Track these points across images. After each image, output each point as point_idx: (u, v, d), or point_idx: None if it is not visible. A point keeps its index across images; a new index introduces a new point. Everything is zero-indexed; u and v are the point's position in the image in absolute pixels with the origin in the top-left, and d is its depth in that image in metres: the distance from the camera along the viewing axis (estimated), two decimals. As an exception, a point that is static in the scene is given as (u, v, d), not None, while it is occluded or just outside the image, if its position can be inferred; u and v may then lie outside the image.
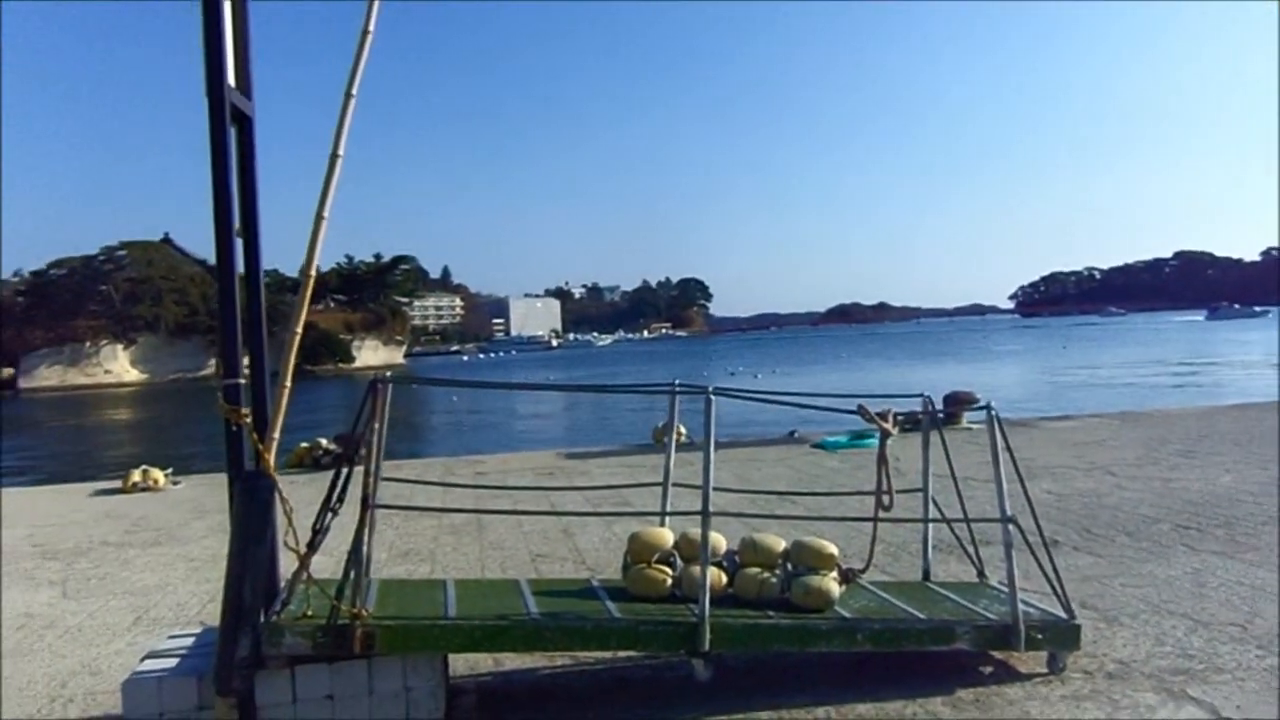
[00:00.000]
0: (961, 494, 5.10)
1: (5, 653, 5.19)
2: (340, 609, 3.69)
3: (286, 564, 3.98)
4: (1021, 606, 4.30)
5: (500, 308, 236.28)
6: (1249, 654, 4.41)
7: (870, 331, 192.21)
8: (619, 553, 6.38)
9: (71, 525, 9.43)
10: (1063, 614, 4.39)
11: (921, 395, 5.18)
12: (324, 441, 13.43)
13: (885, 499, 4.87)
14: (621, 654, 4.60)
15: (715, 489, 4.15)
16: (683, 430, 11.15)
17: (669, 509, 5.05)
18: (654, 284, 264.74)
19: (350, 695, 3.72)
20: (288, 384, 3.87)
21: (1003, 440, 4.44)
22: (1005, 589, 4.43)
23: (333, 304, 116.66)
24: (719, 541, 4.45)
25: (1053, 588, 4.46)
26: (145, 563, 7.44)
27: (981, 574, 5.12)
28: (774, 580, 4.43)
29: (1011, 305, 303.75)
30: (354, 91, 3.97)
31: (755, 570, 4.46)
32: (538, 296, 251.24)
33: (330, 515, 3.85)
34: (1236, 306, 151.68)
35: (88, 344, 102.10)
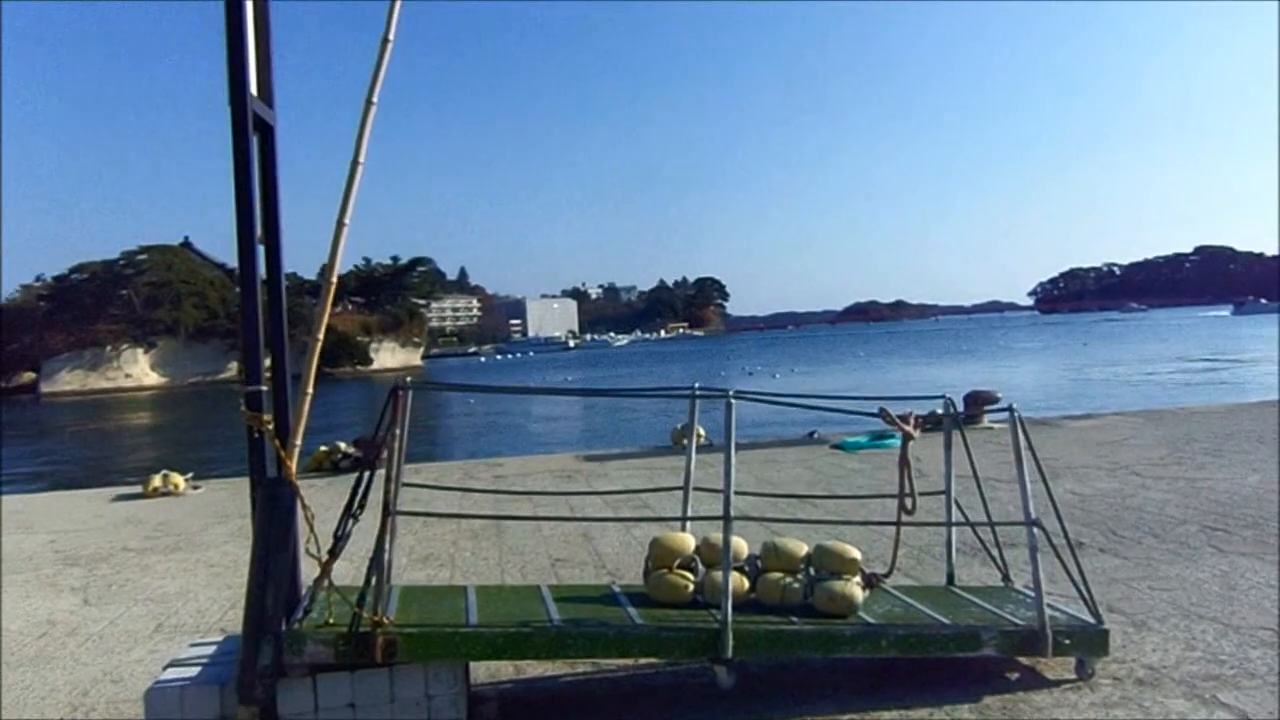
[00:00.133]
0: (984, 496, 5.05)
1: (28, 660, 5.22)
2: (362, 617, 3.68)
3: (308, 571, 3.98)
4: (1048, 611, 4.25)
5: (517, 308, 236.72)
6: (1281, 659, 4.35)
7: (888, 330, 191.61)
8: (639, 557, 6.37)
9: (93, 530, 9.48)
10: (1090, 618, 4.34)
11: (943, 396, 5.13)
12: (343, 445, 13.47)
13: (908, 502, 4.83)
14: (644, 661, 4.58)
15: (736, 492, 4.12)
16: (702, 432, 11.13)
17: (690, 513, 5.02)
18: (671, 284, 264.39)
19: (372, 703, 3.71)
20: (309, 391, 3.87)
21: (1026, 442, 4.39)
22: (1031, 593, 4.39)
23: (350, 306, 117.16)
24: (741, 546, 4.42)
25: (1079, 592, 4.40)
26: (166, 569, 7.46)
27: (1006, 578, 5.07)
28: (797, 585, 4.39)
29: (1030, 302, 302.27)
30: (375, 99, 3.97)
31: (777, 575, 4.43)
32: (554, 297, 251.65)
33: (352, 522, 3.85)
34: (1264, 301, 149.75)
35: (108, 348, 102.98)
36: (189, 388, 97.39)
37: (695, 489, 5.11)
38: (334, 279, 3.97)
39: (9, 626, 5.95)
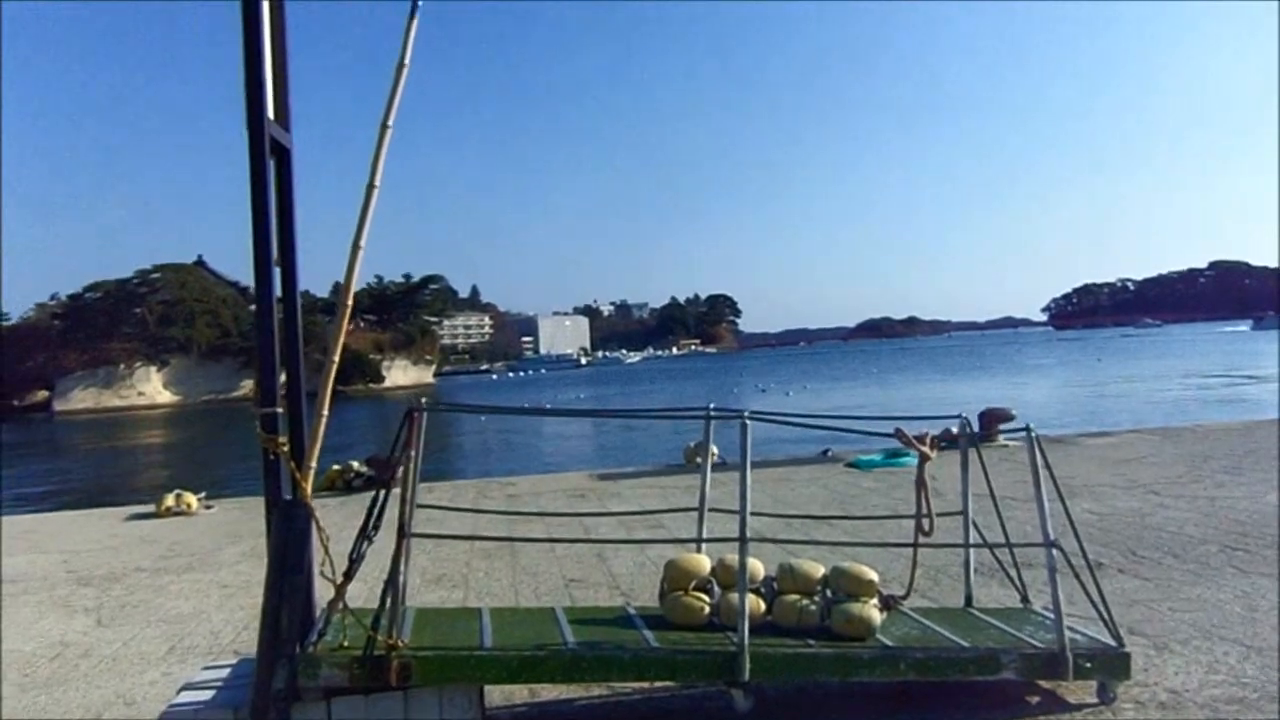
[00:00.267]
0: (1002, 516, 5.01)
1: (41, 682, 5.21)
2: (377, 640, 3.66)
3: (322, 592, 3.96)
4: (1068, 634, 4.20)
5: (529, 326, 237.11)
6: (1306, 682, 4.29)
7: (901, 346, 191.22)
8: (653, 577, 6.33)
9: (106, 550, 9.49)
10: (1111, 641, 4.28)
11: (959, 416, 5.09)
12: (355, 464, 13.47)
13: (925, 523, 4.79)
14: (659, 684, 4.54)
15: (751, 513, 4.09)
16: (714, 450, 11.09)
17: (705, 534, 4.99)
18: (683, 301, 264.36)
19: (386, 727, 3.69)
20: (325, 413, 3.86)
21: (1043, 463, 4.35)
22: (1050, 615, 4.34)
23: (363, 324, 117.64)
24: (756, 568, 4.39)
25: (1100, 614, 4.35)
26: (179, 589, 7.46)
27: (1025, 599, 5.02)
28: (813, 608, 4.35)
29: (1044, 318, 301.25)
30: (390, 123, 3.98)
31: (794, 597, 4.39)
32: (566, 314, 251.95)
33: (367, 544, 3.84)
34: None
35: (121, 366, 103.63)
36: (201, 406, 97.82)
37: (710, 510, 5.08)
38: (349, 301, 3.97)
39: (22, 648, 5.95)
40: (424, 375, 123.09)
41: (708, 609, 4.33)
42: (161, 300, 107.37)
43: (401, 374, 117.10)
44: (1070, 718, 4.06)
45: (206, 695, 3.75)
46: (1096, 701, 4.18)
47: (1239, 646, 4.83)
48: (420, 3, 4.22)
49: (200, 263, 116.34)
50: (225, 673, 4.03)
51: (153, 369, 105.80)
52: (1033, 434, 4.45)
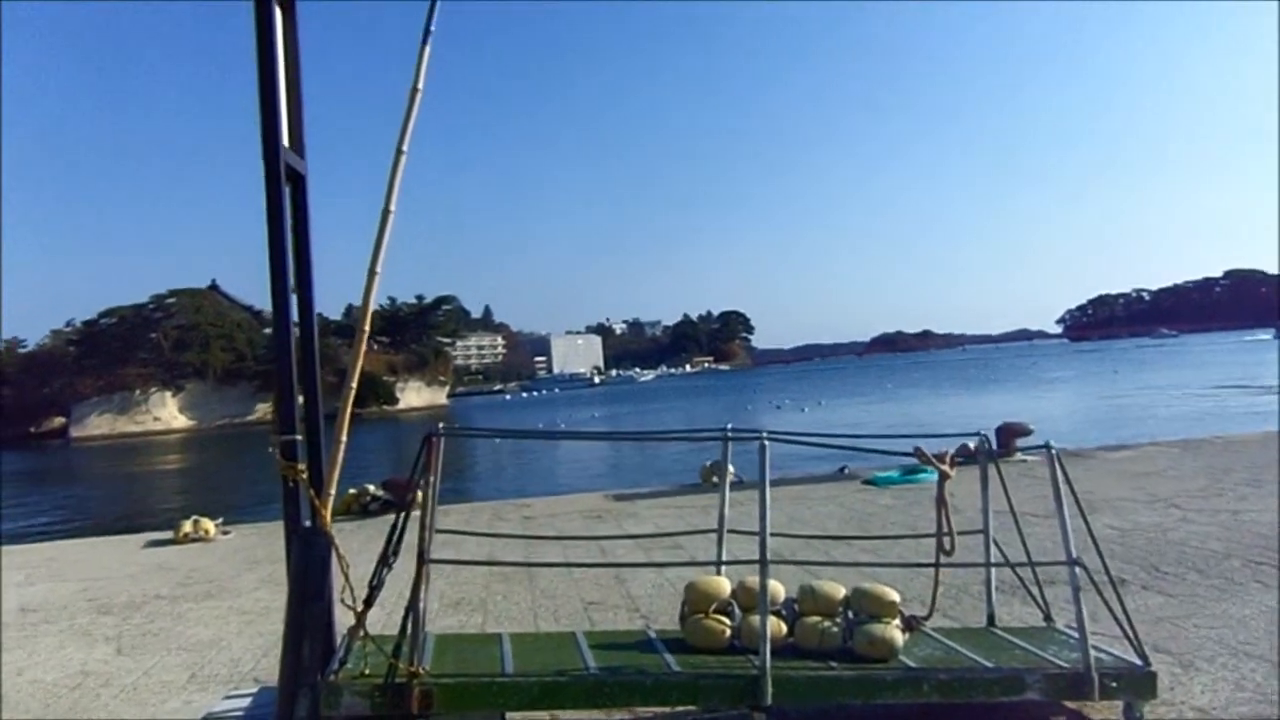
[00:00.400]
0: (1022, 533, 4.97)
1: (63, 712, 5.21)
2: (398, 667, 3.65)
3: (342, 619, 3.96)
4: (1093, 653, 4.16)
5: (542, 345, 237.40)
6: (1336, 700, 4.23)
7: (916, 360, 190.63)
8: (672, 599, 6.31)
9: (125, 578, 9.51)
10: (1137, 659, 4.24)
11: (978, 434, 5.06)
12: (371, 488, 13.48)
13: (946, 542, 4.76)
14: (681, 708, 4.51)
15: (770, 534, 4.07)
16: (731, 469, 11.06)
17: (725, 556, 4.97)
18: (695, 318, 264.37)
19: (408, 755, 3.67)
20: (344, 439, 3.87)
21: (1064, 480, 4.32)
22: (1074, 634, 4.29)
23: (376, 346, 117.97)
24: (777, 590, 4.36)
25: (1124, 632, 4.30)
26: (199, 616, 7.46)
27: (1048, 618, 4.97)
28: (835, 629, 4.32)
29: (1059, 330, 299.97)
30: (405, 148, 4.00)
31: (815, 619, 4.36)
32: (579, 333, 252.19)
33: (386, 570, 3.84)
34: None
35: (137, 392, 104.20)
36: (217, 430, 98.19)
37: (729, 531, 5.06)
38: (366, 327, 3.99)
39: (44, 678, 5.96)
40: (437, 397, 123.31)
41: (729, 632, 4.30)
42: (176, 325, 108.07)
43: (415, 396, 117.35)
44: (1098, 738, 4.01)
45: (228, 725, 3.75)
46: (1123, 722, 4.14)
47: (1265, 663, 4.77)
48: (433, 29, 4.25)
49: (214, 287, 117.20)
50: (247, 701, 4.03)
51: (168, 394, 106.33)
52: (1053, 451, 4.42)
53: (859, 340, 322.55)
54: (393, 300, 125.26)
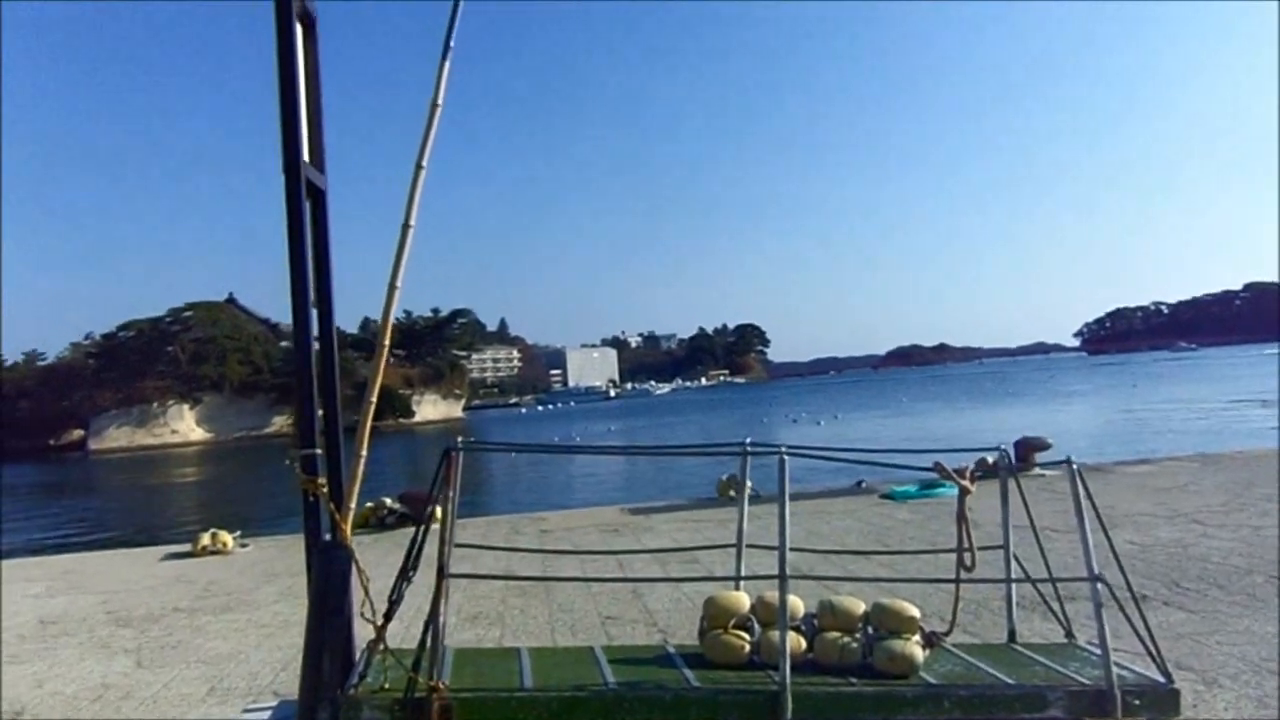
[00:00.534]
0: (1043, 548, 4.93)
1: (85, 724, 5.23)
2: (417, 681, 3.65)
3: (361, 633, 3.96)
4: (1116, 670, 4.12)
5: (557, 358, 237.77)
6: (1363, 718, 4.18)
7: (932, 374, 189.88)
8: (690, 614, 6.29)
9: (144, 591, 9.55)
10: (1159, 676, 4.19)
11: (998, 448, 5.04)
12: (388, 501, 13.50)
13: (967, 558, 4.73)
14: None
15: (790, 549, 4.06)
16: (748, 482, 11.02)
17: (743, 571, 4.95)
18: (711, 331, 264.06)
19: (428, 771, 3.66)
20: (364, 453, 3.88)
21: (1085, 495, 4.29)
22: (1096, 650, 4.25)
23: (392, 359, 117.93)
24: (796, 605, 4.34)
25: (1146, 648, 4.26)
26: (217, 629, 7.48)
27: (1070, 634, 4.92)
28: (855, 645, 4.29)
29: (1077, 343, 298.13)
30: (424, 163, 4.02)
31: (835, 635, 4.33)
32: (594, 347, 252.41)
33: (406, 584, 3.84)
34: None
35: (155, 404, 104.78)
36: (234, 443, 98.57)
37: (748, 546, 5.04)
38: (386, 341, 4.01)
39: (64, 690, 5.99)
40: (453, 410, 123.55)
41: (748, 647, 4.28)
42: (194, 338, 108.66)
43: (431, 409, 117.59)
44: (1121, 756, 3.97)
45: (248, 739, 3.75)
46: (1146, 739, 4.09)
47: (1292, 681, 4.72)
48: (453, 45, 4.28)
49: (231, 300, 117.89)
50: (266, 715, 4.04)
51: (185, 407, 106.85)
52: (1074, 466, 4.40)
53: (875, 353, 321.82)
54: (409, 313, 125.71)
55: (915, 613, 4.37)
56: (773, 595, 4.19)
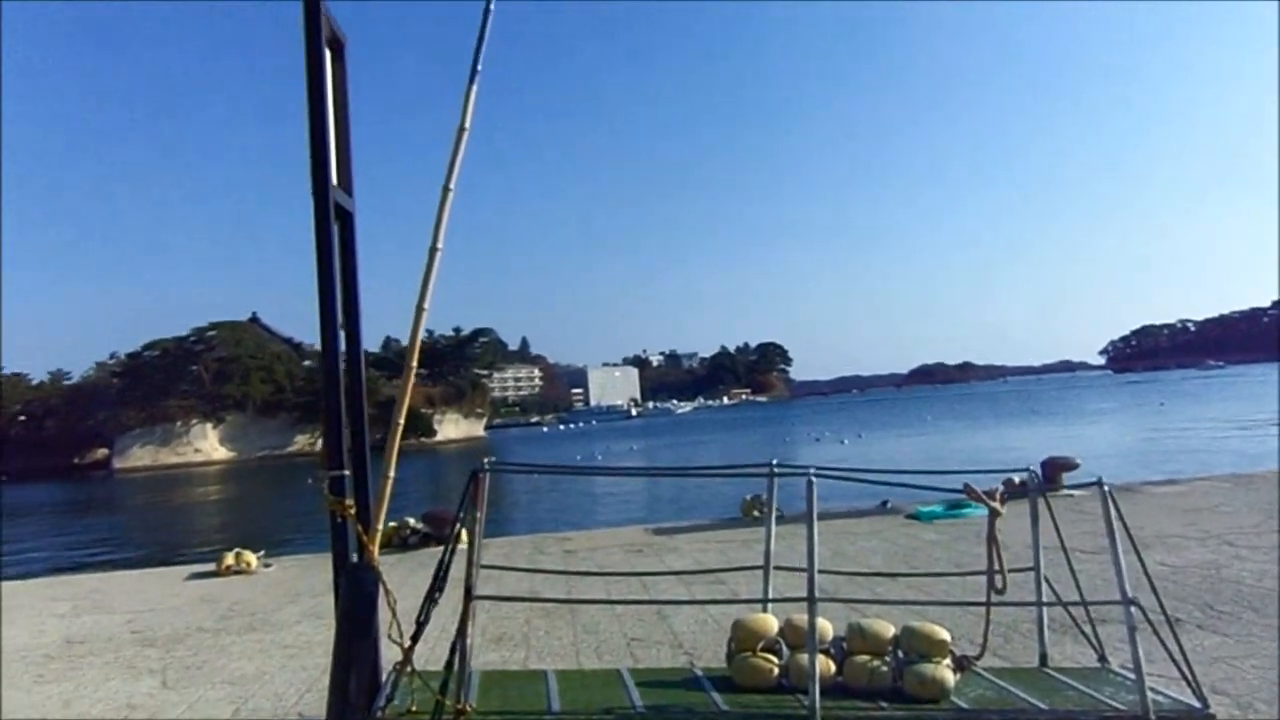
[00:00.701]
0: (1074, 570, 4.87)
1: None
2: (445, 704, 3.64)
3: (387, 653, 3.95)
4: (1150, 694, 4.05)
5: (579, 377, 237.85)
6: (1406, 746, 4.08)
7: (956, 392, 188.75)
8: (715, 636, 6.25)
9: (169, 610, 9.59)
10: (1195, 702, 4.12)
11: (1027, 469, 4.98)
12: (411, 521, 13.51)
13: (998, 581, 4.67)
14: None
15: (818, 571, 4.03)
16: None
17: (770, 593, 4.91)
18: (732, 349, 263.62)
19: (455, 795, 3.64)
20: (391, 475, 3.88)
21: (1117, 516, 4.23)
22: (1130, 675, 4.19)
23: (414, 378, 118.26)
24: (825, 628, 4.30)
25: (1181, 672, 4.19)
26: (241, 650, 7.49)
27: (1103, 658, 4.85)
28: (885, 669, 4.25)
29: (1102, 361, 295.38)
30: (452, 186, 4.04)
31: (864, 658, 4.29)
32: (616, 365, 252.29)
33: (432, 606, 3.83)
34: None
35: (179, 423, 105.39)
36: (257, 462, 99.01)
37: (775, 568, 5.00)
38: (414, 363, 4.01)
39: (90, 711, 6.01)
40: (475, 429, 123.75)
41: (776, 670, 4.25)
42: (217, 357, 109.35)
43: (453, 428, 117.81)
44: (1158, 784, 3.89)
45: (275, 761, 3.74)
46: (1183, 766, 4.02)
47: (1331, 707, 4.63)
48: (479, 69, 4.30)
49: (255, 319, 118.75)
50: (292, 738, 4.02)
51: (209, 426, 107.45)
52: (1105, 487, 4.34)
53: (898, 372, 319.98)
54: (431, 333, 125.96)
55: (946, 636, 4.32)
56: (801, 618, 4.15)
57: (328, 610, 3.82)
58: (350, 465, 3.98)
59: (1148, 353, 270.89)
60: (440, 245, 4.03)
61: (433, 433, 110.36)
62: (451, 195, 4.10)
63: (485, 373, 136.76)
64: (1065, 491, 12.88)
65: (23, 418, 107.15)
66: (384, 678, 4.00)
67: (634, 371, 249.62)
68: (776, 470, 4.67)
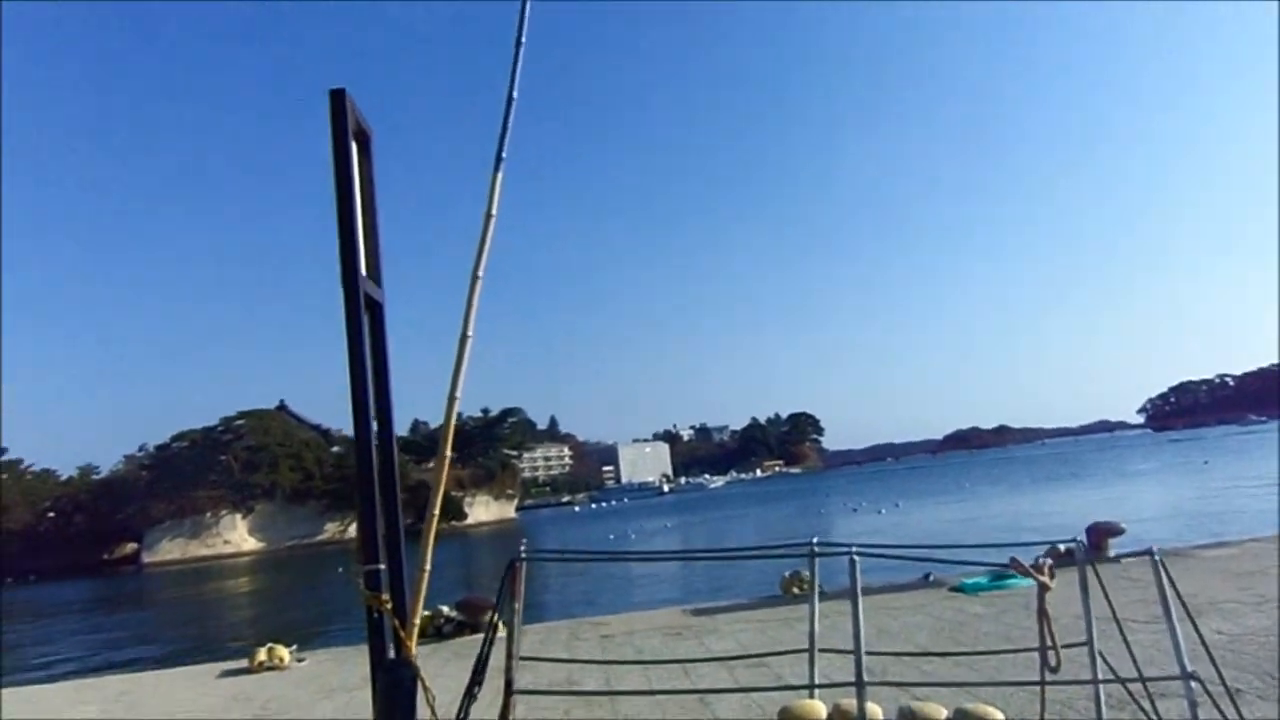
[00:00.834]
0: (1129, 642, 4.70)
1: None
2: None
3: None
4: None
5: (609, 454, 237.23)
6: None
7: (993, 456, 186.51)
8: (762, 723, 6.06)
9: (201, 711, 9.47)
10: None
11: (1073, 540, 4.87)
12: (446, 609, 13.34)
13: (1051, 658, 4.52)
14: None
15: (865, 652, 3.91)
16: (807, 577, 10.74)
17: (817, 676, 4.78)
18: (763, 421, 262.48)
19: None
20: (427, 568, 3.83)
21: (1170, 586, 4.10)
22: None
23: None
24: (875, 712, 4.18)
25: (1248, 749, 4.01)
26: (279, 748, 7.36)
27: (1165, 735, 4.67)
28: (940, 755, 4.10)
29: (1141, 420, 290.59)
30: (480, 273, 4.05)
31: (918, 744, 4.15)
32: (646, 441, 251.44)
33: (472, 701, 3.74)
34: None
35: (208, 515, 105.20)
36: (286, 551, 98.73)
37: (820, 650, 4.88)
38: (448, 453, 3.98)
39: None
40: (506, 510, 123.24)
41: (827, 760, 4.11)
42: (245, 446, 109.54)
43: (484, 510, 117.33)
44: None
45: None
46: None
47: None
48: (504, 156, 4.35)
49: (282, 407, 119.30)
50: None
51: (238, 516, 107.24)
52: (1157, 557, 4.22)
53: (932, 438, 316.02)
54: (459, 414, 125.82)
55: (1000, 717, 4.18)
56: (850, 703, 4.04)
57: (364, 707, 3.73)
58: (385, 558, 3.93)
59: (1187, 409, 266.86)
60: (471, 333, 4.04)
61: (463, 516, 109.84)
62: (480, 282, 4.12)
63: (515, 453, 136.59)
64: (1112, 556, 12.58)
65: (52, 514, 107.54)
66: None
67: (664, 447, 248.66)
68: (817, 550, 4.58)
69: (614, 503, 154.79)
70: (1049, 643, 4.51)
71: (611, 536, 58.92)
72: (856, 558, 4.06)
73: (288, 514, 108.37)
